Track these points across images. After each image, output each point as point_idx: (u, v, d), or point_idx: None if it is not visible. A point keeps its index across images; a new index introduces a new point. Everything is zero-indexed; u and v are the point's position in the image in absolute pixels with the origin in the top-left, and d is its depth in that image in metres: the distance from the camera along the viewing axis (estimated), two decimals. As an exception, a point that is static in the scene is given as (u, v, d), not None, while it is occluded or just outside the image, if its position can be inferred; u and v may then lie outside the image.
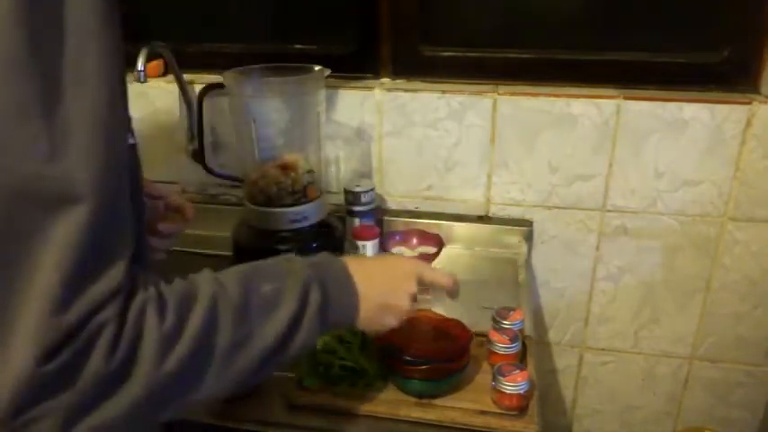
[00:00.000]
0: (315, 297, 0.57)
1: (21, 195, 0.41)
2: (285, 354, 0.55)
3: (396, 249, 1.20)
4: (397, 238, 1.23)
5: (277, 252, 1.04)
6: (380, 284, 0.66)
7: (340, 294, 0.61)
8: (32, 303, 0.41)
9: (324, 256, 0.64)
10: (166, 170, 1.48)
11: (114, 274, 0.44)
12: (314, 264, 0.61)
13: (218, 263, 1.28)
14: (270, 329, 0.53)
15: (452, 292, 0.78)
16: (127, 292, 0.45)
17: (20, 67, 0.40)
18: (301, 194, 1.15)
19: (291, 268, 0.59)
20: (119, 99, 0.47)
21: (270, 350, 0.53)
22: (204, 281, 0.53)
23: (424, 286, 0.74)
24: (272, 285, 0.55)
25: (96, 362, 0.43)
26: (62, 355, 0.41)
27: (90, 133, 0.43)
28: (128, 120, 0.51)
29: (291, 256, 0.62)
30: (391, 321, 0.69)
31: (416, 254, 1.18)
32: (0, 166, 0.40)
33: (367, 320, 0.65)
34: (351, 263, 0.64)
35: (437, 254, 1.19)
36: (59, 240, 0.41)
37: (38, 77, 0.41)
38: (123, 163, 0.47)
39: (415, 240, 1.22)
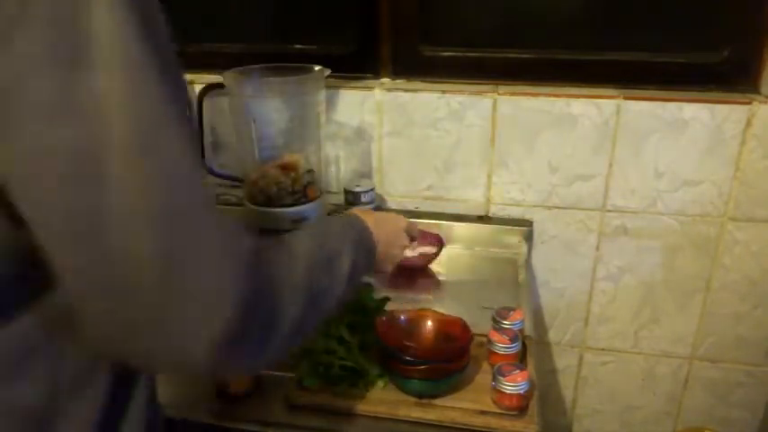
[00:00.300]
0: (358, 255, 0.72)
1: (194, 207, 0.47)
2: (348, 291, 0.70)
3: None
4: None
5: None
6: (384, 238, 0.81)
7: (369, 251, 0.78)
8: (217, 262, 0.47)
9: (352, 219, 0.79)
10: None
11: (248, 238, 0.52)
12: (351, 225, 0.77)
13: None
14: (339, 275, 0.67)
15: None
16: (255, 257, 0.52)
17: (161, 84, 0.45)
18: (301, 194, 1.15)
19: (343, 231, 0.74)
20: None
21: (342, 291, 0.67)
22: (293, 242, 0.64)
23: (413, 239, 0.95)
24: (334, 244, 0.69)
25: (260, 311, 0.51)
26: (245, 303, 0.48)
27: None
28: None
29: (337, 220, 0.81)
30: (388, 268, 0.88)
31: (416, 254, 1.18)
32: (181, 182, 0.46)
33: (375, 267, 0.82)
34: (367, 219, 0.79)
35: (437, 254, 1.19)
36: (214, 225, 0.48)
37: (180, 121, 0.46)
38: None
39: (414, 240, 1.22)
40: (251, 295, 0.49)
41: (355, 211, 0.83)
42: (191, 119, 0.50)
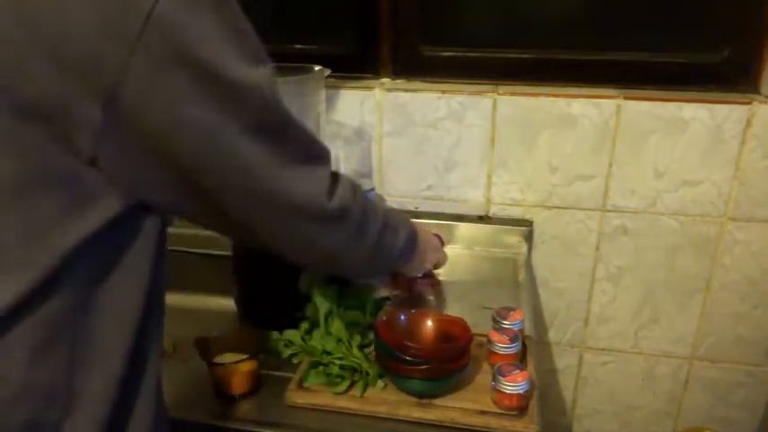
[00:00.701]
0: (408, 245, 0.89)
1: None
2: (398, 262, 0.90)
3: None
4: None
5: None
6: (422, 248, 0.94)
7: (411, 249, 0.91)
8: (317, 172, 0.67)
9: (407, 218, 0.91)
10: (166, 170, 1.48)
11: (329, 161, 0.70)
12: (406, 220, 0.91)
13: (218, 263, 1.28)
14: (396, 245, 0.85)
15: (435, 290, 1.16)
16: (336, 175, 0.70)
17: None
18: (301, 194, 1.15)
19: (402, 221, 0.88)
20: None
21: (395, 259, 0.87)
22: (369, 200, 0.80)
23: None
24: (397, 225, 0.85)
25: (355, 209, 0.72)
26: (335, 196, 0.68)
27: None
28: None
29: (398, 211, 1.05)
30: (412, 273, 1.03)
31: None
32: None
33: (408, 268, 0.97)
34: (419, 236, 0.94)
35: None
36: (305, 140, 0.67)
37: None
38: None
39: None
40: (344, 191, 0.69)
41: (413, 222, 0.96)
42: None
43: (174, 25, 0.48)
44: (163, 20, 0.47)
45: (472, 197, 1.36)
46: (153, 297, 0.60)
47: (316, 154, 0.67)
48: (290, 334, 0.98)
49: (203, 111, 0.52)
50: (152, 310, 0.60)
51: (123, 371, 0.57)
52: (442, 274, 1.26)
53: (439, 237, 1.19)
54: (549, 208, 1.34)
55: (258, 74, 0.59)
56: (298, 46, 1.42)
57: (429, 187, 1.37)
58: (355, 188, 0.73)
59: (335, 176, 0.70)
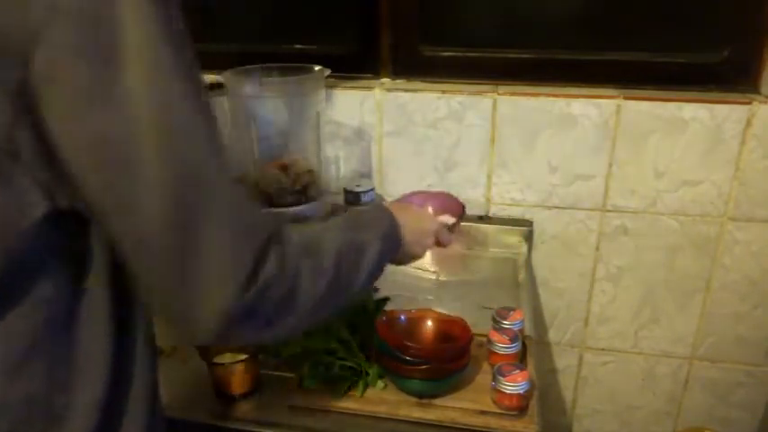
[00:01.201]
0: (385, 248, 0.74)
1: (195, 178, 0.50)
2: (371, 280, 0.72)
3: None
4: (415, 202, 1.12)
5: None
6: (411, 237, 0.82)
7: (394, 245, 0.79)
8: (223, 255, 0.51)
9: (385, 213, 0.80)
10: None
11: (269, 222, 0.56)
12: (382, 218, 0.78)
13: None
14: (366, 265, 0.69)
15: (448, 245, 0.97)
16: (280, 236, 0.56)
17: (184, 80, 0.52)
18: (301, 194, 1.15)
19: (374, 223, 0.76)
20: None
21: (365, 280, 0.70)
22: (322, 230, 0.66)
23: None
24: (364, 235, 0.71)
25: (275, 292, 0.54)
26: (251, 291, 0.51)
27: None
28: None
29: (369, 211, 0.81)
30: (407, 263, 0.87)
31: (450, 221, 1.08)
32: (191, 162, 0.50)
33: (395, 261, 0.83)
34: (399, 215, 0.80)
35: (457, 223, 1.07)
36: (230, 202, 0.52)
37: (193, 84, 0.53)
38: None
39: (431, 208, 1.13)
40: (270, 271, 0.53)
41: (392, 202, 0.85)
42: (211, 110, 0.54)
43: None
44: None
45: (472, 197, 1.36)
46: (134, 304, 0.58)
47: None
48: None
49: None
50: (134, 316, 0.59)
51: (111, 380, 0.56)
52: (442, 274, 1.26)
53: (458, 204, 1.13)
54: (549, 208, 1.34)
55: None
56: (298, 46, 1.42)
57: (429, 187, 1.37)
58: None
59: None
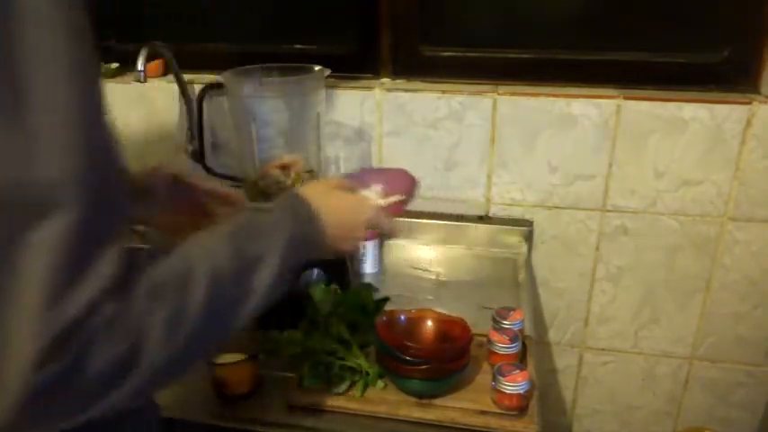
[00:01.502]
0: (294, 254, 0.63)
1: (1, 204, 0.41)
2: (269, 299, 0.62)
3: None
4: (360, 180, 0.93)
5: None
6: (336, 230, 0.71)
7: (309, 243, 0.68)
8: (22, 311, 0.41)
9: (295, 209, 0.68)
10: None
11: (106, 272, 0.44)
12: (287, 218, 0.66)
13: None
14: (258, 286, 0.59)
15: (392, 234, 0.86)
16: (122, 286, 0.45)
17: None
18: (301, 194, 1.14)
19: (272, 229, 0.63)
20: (93, 91, 0.47)
21: (259, 302, 0.59)
22: (196, 256, 0.54)
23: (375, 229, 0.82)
24: (257, 248, 0.60)
25: (98, 360, 0.44)
26: (60, 360, 0.42)
27: (65, 133, 0.43)
28: (106, 111, 0.49)
29: (272, 210, 0.67)
30: (330, 255, 0.77)
31: (385, 203, 0.91)
32: None
33: (318, 255, 0.72)
34: (321, 203, 0.69)
35: (406, 201, 0.95)
36: (43, 246, 0.41)
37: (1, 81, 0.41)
38: (109, 156, 0.48)
39: (380, 186, 0.93)
40: (90, 337, 0.43)
41: (316, 187, 0.73)
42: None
43: None
44: None
45: (472, 197, 1.36)
46: None
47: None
48: (290, 334, 0.98)
49: None
50: None
51: None
52: (443, 274, 1.26)
53: (406, 178, 0.97)
54: (549, 208, 1.34)
55: None
56: (298, 46, 1.42)
57: (429, 187, 1.37)
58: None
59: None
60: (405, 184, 0.97)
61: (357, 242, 0.78)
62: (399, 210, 0.93)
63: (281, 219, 0.65)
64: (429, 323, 0.94)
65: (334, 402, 0.86)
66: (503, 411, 0.83)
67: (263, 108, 1.22)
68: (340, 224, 0.72)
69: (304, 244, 0.66)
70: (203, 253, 0.55)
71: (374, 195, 0.88)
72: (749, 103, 1.19)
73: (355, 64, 1.38)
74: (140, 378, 0.47)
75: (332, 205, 0.71)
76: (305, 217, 0.67)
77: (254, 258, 0.59)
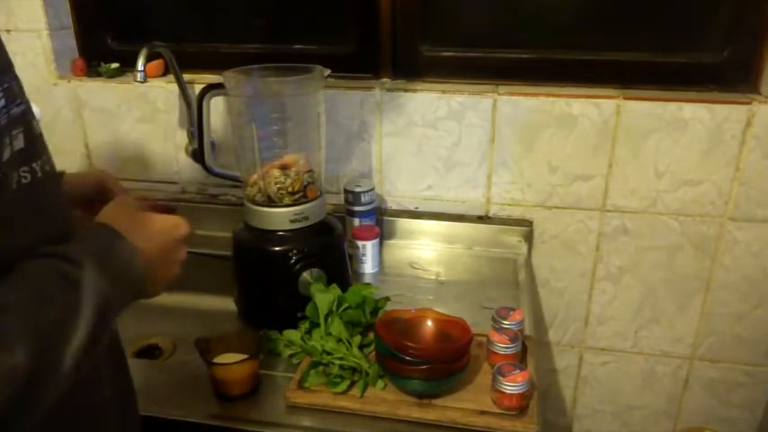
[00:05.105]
0: (104, 314, 0.53)
1: None
2: (86, 364, 0.52)
3: None
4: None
5: (278, 253, 1.05)
6: (156, 256, 0.62)
7: (125, 291, 0.58)
8: None
9: (104, 237, 0.58)
10: (166, 170, 1.48)
11: None
12: (97, 259, 0.55)
13: (218, 263, 1.28)
14: (68, 356, 0.49)
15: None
16: None
17: None
18: (301, 194, 1.15)
19: (74, 281, 0.52)
20: None
21: (71, 372, 0.50)
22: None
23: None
24: (55, 313, 0.50)
25: None
26: None
27: None
28: None
29: (72, 256, 0.53)
30: (161, 290, 0.65)
31: None
32: None
33: (142, 296, 0.62)
34: (129, 236, 0.59)
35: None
36: None
37: None
38: None
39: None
40: None
41: (113, 216, 0.61)
42: None
43: None
44: None
45: (472, 197, 1.36)
46: None
47: None
48: (290, 334, 0.98)
49: None
50: None
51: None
52: (443, 274, 1.26)
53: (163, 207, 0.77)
54: (549, 208, 1.34)
55: None
56: (298, 46, 1.42)
57: (429, 187, 1.37)
58: None
59: None
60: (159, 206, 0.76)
61: (178, 265, 0.67)
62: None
63: (87, 278, 0.52)
64: (429, 323, 0.94)
65: (334, 402, 0.86)
66: (503, 411, 0.83)
67: (263, 108, 1.21)
68: (159, 250, 0.62)
69: (121, 292, 0.56)
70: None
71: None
72: (749, 103, 1.19)
73: (355, 64, 1.38)
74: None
75: (144, 235, 0.61)
76: (122, 262, 0.57)
77: (53, 339, 0.49)
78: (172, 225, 0.66)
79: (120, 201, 0.66)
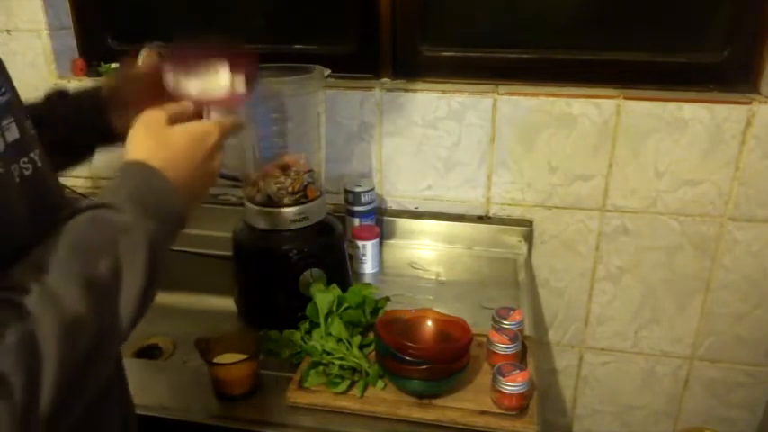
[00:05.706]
0: (156, 248, 0.53)
1: None
2: (144, 311, 0.52)
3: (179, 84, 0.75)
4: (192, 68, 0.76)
5: (278, 253, 1.05)
6: (189, 181, 0.60)
7: (173, 222, 0.57)
8: None
9: (138, 176, 0.57)
10: (166, 170, 1.48)
11: None
12: (138, 198, 0.54)
13: (218, 263, 1.28)
14: (125, 309, 0.49)
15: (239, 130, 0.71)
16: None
17: None
18: (301, 194, 1.15)
19: (120, 226, 0.51)
20: None
21: (132, 320, 0.51)
22: (35, 303, 0.45)
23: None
24: (107, 262, 0.49)
25: None
26: None
27: None
28: None
29: (112, 203, 0.53)
30: (200, 204, 0.65)
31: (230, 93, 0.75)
32: None
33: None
34: (162, 166, 0.57)
35: (252, 82, 0.77)
36: None
37: None
38: None
39: (225, 66, 0.75)
40: None
41: (143, 136, 0.60)
42: None
43: None
44: None
45: (472, 197, 1.36)
46: None
47: None
48: (290, 334, 0.98)
49: None
50: None
51: None
52: (443, 274, 1.26)
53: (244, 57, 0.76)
54: (549, 208, 1.34)
55: None
56: (298, 46, 1.42)
57: (429, 187, 1.37)
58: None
59: None
60: (242, 61, 0.76)
61: (214, 176, 0.65)
62: (244, 97, 0.75)
63: (127, 227, 0.52)
64: (429, 323, 0.94)
65: (334, 402, 0.86)
66: (503, 411, 0.83)
67: (263, 108, 1.21)
68: (191, 181, 0.60)
69: (170, 222, 0.56)
70: (43, 299, 0.46)
71: (222, 79, 0.72)
72: (749, 103, 1.19)
73: (355, 64, 1.38)
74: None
75: (176, 163, 0.59)
76: (163, 196, 0.56)
77: (111, 281, 0.49)
78: (202, 134, 0.63)
79: (146, 120, 0.62)
